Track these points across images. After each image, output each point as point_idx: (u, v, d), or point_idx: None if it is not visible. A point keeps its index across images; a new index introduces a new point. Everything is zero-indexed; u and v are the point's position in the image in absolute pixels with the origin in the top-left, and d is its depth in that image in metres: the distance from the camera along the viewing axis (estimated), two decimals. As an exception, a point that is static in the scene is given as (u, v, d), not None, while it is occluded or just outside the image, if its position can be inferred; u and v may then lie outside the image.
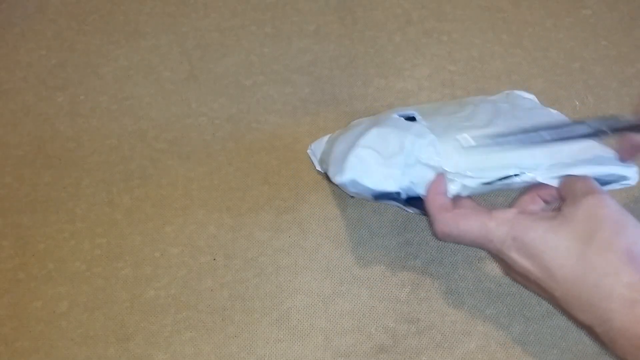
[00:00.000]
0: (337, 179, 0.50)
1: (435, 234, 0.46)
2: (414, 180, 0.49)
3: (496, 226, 0.43)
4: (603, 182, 0.47)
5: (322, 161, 0.59)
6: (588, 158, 0.48)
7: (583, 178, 0.44)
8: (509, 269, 0.44)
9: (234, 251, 0.58)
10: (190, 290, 0.56)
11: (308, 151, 0.63)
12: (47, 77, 0.73)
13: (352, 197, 0.60)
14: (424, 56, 0.71)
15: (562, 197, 0.44)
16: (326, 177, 0.58)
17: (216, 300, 0.56)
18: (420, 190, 0.49)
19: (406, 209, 0.53)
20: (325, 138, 0.61)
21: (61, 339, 0.54)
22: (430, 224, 0.47)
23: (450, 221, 0.45)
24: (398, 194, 0.50)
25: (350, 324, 0.54)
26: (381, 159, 0.50)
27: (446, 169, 0.49)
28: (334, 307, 0.55)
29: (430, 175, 0.49)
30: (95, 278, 0.58)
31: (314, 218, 0.60)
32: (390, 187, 0.49)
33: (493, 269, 0.56)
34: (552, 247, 0.39)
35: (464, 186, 0.48)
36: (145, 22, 0.77)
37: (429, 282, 0.56)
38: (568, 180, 0.45)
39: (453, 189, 0.48)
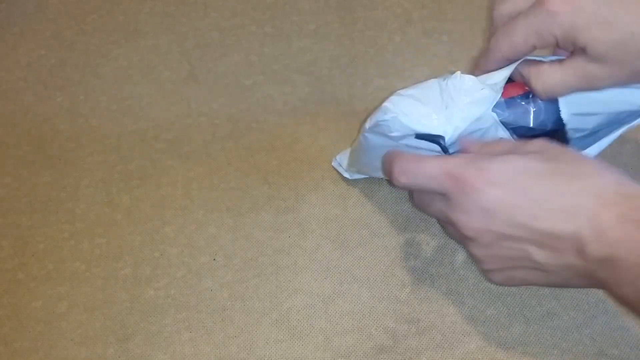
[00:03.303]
0: (376, 118, 0.49)
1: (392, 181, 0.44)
2: (458, 124, 0.47)
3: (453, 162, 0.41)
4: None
5: (350, 164, 0.60)
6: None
7: None
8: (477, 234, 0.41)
9: (234, 251, 0.58)
10: (190, 291, 0.56)
11: (333, 164, 0.62)
12: (47, 77, 0.73)
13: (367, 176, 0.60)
14: (424, 56, 0.71)
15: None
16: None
17: (216, 300, 0.56)
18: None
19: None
20: (349, 149, 0.61)
21: (61, 339, 0.54)
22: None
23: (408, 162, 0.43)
24: (442, 138, 0.47)
25: (350, 324, 0.54)
26: (422, 103, 0.48)
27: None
28: (334, 308, 0.55)
29: (475, 111, 0.47)
30: (95, 278, 0.58)
31: (314, 218, 0.60)
32: (434, 126, 0.47)
33: (493, 269, 0.56)
34: (525, 168, 0.38)
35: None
36: (144, 22, 0.77)
37: (429, 282, 0.56)
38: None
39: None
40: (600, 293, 0.53)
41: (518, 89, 0.49)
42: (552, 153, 0.39)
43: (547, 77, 0.45)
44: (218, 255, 0.58)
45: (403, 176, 0.43)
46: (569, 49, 0.44)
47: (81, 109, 0.70)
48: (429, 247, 0.58)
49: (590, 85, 0.44)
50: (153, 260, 0.58)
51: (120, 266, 0.58)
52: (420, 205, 0.47)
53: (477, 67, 0.49)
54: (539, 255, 0.39)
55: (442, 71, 0.69)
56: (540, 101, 0.48)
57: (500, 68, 0.48)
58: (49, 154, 0.66)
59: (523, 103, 0.49)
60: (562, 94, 0.46)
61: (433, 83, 0.49)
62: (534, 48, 0.45)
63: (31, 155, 0.66)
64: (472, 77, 0.48)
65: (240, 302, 0.56)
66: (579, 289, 0.53)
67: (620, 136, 0.63)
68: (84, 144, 0.67)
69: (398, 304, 0.54)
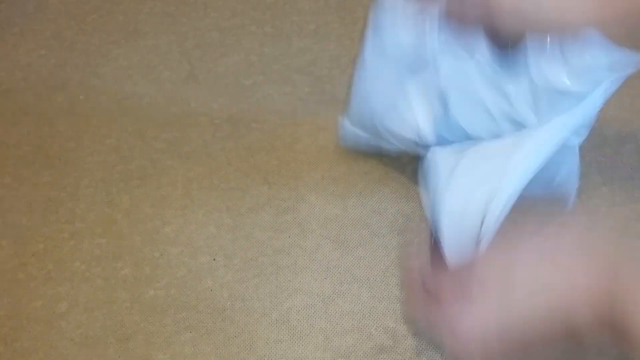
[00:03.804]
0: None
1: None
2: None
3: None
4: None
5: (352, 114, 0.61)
6: None
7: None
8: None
9: (234, 251, 0.58)
10: (190, 291, 0.56)
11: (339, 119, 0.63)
12: (47, 77, 0.73)
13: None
14: (424, 56, 0.71)
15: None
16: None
17: (216, 300, 0.56)
18: None
19: None
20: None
21: (61, 339, 0.54)
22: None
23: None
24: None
25: (350, 324, 0.54)
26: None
27: None
28: (334, 308, 0.55)
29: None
30: (95, 278, 0.58)
31: (314, 218, 0.60)
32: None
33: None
34: (489, 316, 0.36)
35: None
36: (144, 22, 0.77)
37: (429, 282, 0.56)
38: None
39: None
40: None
41: None
42: (500, 284, 0.37)
43: None
44: (218, 255, 0.58)
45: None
46: None
47: (81, 109, 0.70)
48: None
49: None
50: (153, 260, 0.58)
51: (120, 266, 0.58)
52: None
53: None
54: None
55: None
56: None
57: None
58: (49, 154, 0.66)
59: None
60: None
61: None
62: None
63: (31, 155, 0.66)
64: None
65: (240, 302, 0.56)
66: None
67: (620, 136, 0.64)
68: (84, 144, 0.67)
69: (398, 303, 0.54)
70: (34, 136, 0.68)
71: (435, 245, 0.45)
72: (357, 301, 0.55)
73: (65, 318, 0.55)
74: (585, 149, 0.63)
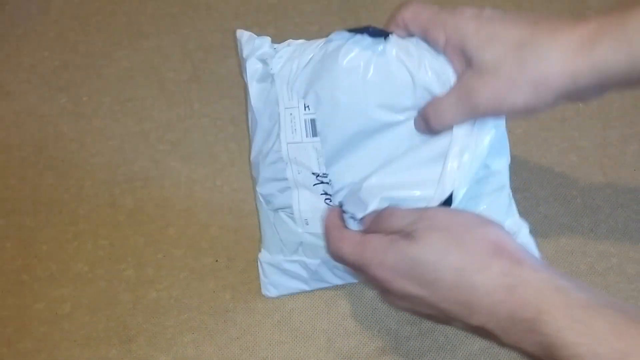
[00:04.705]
0: None
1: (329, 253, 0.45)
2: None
3: (363, 251, 0.41)
4: None
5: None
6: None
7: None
8: (389, 295, 0.42)
9: (237, 253, 0.58)
10: (193, 292, 0.56)
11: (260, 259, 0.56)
12: (50, 79, 0.73)
13: None
14: (427, 57, 0.71)
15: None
16: None
17: (219, 301, 0.56)
18: None
19: None
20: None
21: (64, 340, 0.54)
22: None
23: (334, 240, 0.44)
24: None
25: (352, 326, 0.54)
26: None
27: None
28: (337, 309, 0.55)
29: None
30: (98, 279, 0.58)
31: (316, 219, 0.60)
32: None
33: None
34: (419, 262, 0.39)
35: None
36: (147, 23, 0.77)
37: (431, 283, 0.55)
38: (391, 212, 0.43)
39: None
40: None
41: None
42: (444, 238, 0.39)
43: (439, 106, 0.43)
44: (221, 257, 0.58)
45: (331, 247, 0.44)
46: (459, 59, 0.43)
47: (84, 110, 0.70)
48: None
49: (470, 101, 0.42)
50: (156, 262, 0.58)
51: (124, 267, 0.58)
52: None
53: None
54: (462, 327, 0.40)
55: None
56: None
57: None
58: (52, 155, 0.67)
59: None
60: (455, 121, 0.43)
61: None
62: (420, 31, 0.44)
63: (34, 157, 0.67)
64: None
65: (243, 303, 0.56)
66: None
67: (624, 137, 0.63)
68: (87, 145, 0.67)
69: (401, 305, 0.54)
70: (37, 137, 0.68)
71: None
72: (359, 303, 0.55)
73: (69, 319, 0.56)
74: (589, 150, 0.63)
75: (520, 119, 0.63)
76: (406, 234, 0.40)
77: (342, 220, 0.45)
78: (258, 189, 0.50)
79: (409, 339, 0.53)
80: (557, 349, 0.34)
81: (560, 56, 0.39)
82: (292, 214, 0.49)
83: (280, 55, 0.47)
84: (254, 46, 0.47)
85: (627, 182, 0.60)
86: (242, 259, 0.58)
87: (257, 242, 0.59)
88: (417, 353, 0.52)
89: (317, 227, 0.48)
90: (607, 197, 0.59)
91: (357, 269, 0.42)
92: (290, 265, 0.52)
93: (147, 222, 0.61)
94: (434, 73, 0.43)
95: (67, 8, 0.80)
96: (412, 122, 0.45)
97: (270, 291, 0.54)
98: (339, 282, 0.54)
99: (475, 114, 0.42)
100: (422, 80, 0.43)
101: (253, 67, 0.47)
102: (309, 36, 0.44)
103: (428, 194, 0.43)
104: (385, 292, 0.41)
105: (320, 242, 0.48)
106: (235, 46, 0.74)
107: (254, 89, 0.48)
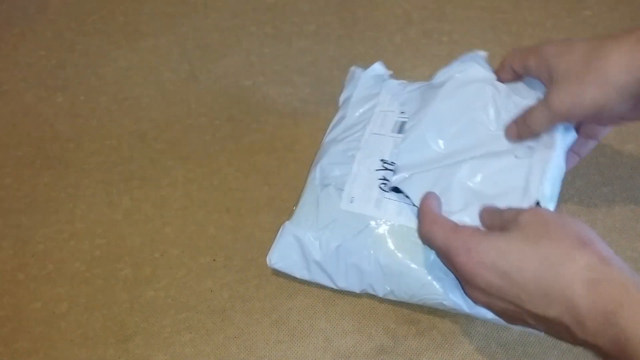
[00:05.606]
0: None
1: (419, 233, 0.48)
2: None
3: (455, 237, 0.43)
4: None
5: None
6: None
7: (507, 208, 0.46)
8: (469, 286, 0.43)
9: (234, 252, 0.58)
10: (190, 291, 0.56)
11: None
12: (47, 78, 0.73)
13: None
14: (425, 57, 0.71)
15: (490, 226, 0.46)
16: None
17: (216, 301, 0.56)
18: None
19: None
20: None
21: (61, 340, 0.54)
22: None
23: (426, 223, 0.46)
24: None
25: (350, 325, 0.54)
26: None
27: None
28: (334, 308, 0.55)
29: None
30: (95, 279, 0.58)
31: (314, 219, 0.60)
32: None
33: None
34: (506, 252, 0.40)
35: None
36: (145, 23, 0.77)
37: (429, 283, 0.55)
38: (493, 211, 0.47)
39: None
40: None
41: None
42: (536, 230, 0.41)
43: (528, 115, 0.49)
44: (218, 256, 0.58)
45: (423, 227, 0.46)
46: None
47: (81, 110, 0.70)
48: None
49: (551, 107, 0.47)
50: (153, 261, 0.58)
51: (120, 267, 0.58)
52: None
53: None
54: (534, 323, 0.41)
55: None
56: None
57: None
58: (49, 154, 0.66)
59: None
60: (542, 127, 0.49)
61: None
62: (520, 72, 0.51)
63: (31, 156, 0.66)
64: None
65: (241, 302, 0.56)
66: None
67: (621, 136, 0.64)
68: (84, 145, 0.67)
69: (398, 304, 0.54)
70: (34, 137, 0.68)
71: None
72: (357, 302, 0.55)
73: (66, 319, 0.55)
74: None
75: (614, 126, 0.61)
76: (500, 228, 0.42)
77: (438, 206, 0.48)
78: (320, 162, 0.56)
79: (407, 338, 0.53)
80: (633, 344, 0.34)
81: (619, 53, 0.43)
82: (342, 189, 0.53)
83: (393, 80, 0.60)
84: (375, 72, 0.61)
85: (624, 181, 0.60)
86: (240, 258, 0.58)
87: (255, 242, 0.59)
88: (415, 352, 0.52)
89: (359, 207, 0.52)
90: (604, 196, 0.59)
91: (444, 253, 0.43)
92: (309, 241, 0.53)
93: (144, 221, 0.61)
94: (525, 97, 0.52)
95: (64, 7, 0.80)
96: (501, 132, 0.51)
97: (274, 259, 0.54)
98: (331, 285, 0.54)
99: (556, 119, 0.47)
100: (515, 101, 0.52)
101: (364, 84, 0.60)
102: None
103: (516, 197, 0.48)
104: (465, 282, 0.43)
105: (354, 223, 0.51)
106: (234, 46, 0.74)
107: (357, 95, 0.60)
